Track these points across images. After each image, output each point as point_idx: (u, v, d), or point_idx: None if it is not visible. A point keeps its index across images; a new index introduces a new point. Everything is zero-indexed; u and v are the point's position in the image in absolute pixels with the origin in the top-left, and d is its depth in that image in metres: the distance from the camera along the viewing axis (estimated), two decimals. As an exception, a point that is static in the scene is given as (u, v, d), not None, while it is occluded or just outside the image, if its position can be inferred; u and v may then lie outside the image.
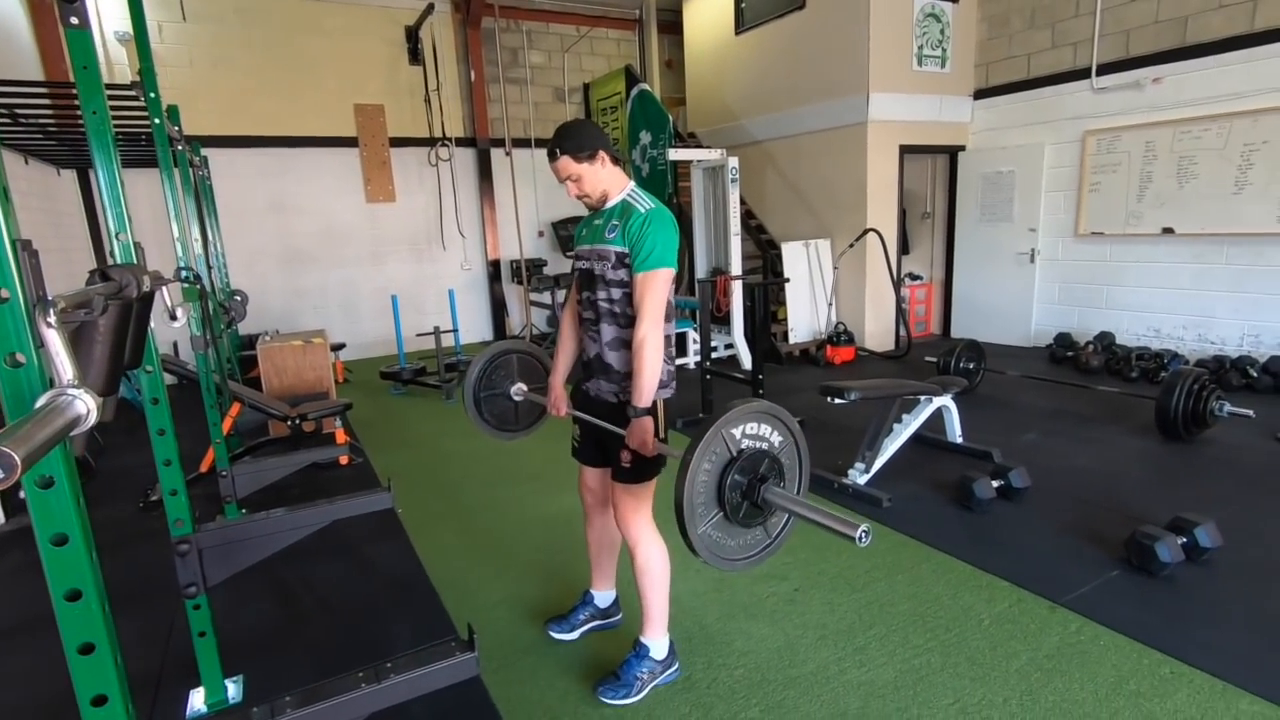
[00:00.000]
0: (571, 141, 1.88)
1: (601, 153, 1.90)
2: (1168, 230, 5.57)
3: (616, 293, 1.92)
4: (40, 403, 0.76)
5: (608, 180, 1.94)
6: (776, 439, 1.54)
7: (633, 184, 1.98)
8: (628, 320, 1.92)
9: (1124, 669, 2.09)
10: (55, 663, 1.04)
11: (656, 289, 1.83)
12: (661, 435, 1.93)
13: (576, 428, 2.17)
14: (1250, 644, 2.17)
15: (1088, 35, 5.85)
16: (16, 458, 0.61)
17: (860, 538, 1.32)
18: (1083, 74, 5.93)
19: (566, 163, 1.89)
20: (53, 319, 0.81)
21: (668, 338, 1.95)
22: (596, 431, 2.03)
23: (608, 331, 1.96)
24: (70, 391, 0.77)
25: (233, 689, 2.13)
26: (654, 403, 1.89)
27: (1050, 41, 6.16)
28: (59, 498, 0.87)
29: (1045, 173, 6.32)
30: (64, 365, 0.80)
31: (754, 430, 1.51)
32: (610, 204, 1.95)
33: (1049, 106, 6.24)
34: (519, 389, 2.44)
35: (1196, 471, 3.61)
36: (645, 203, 1.90)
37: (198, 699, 2.10)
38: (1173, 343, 5.72)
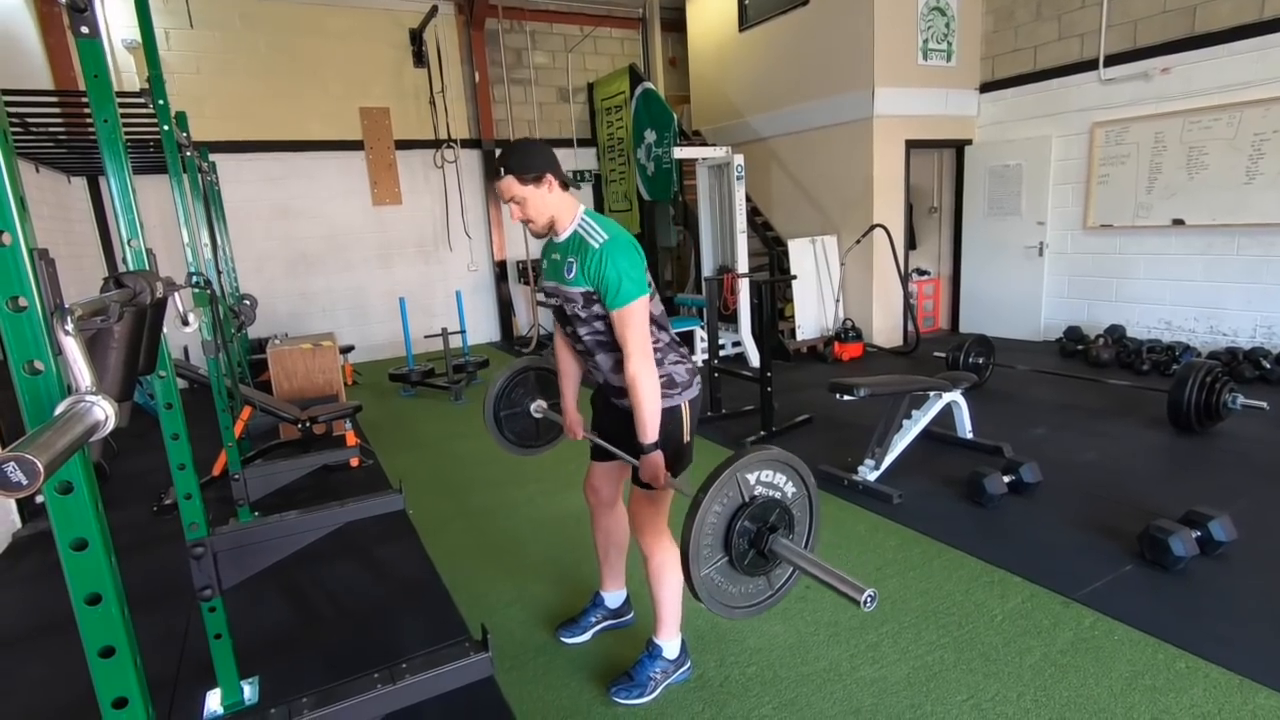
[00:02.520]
0: (517, 160, 1.76)
1: (549, 177, 1.78)
2: (1178, 222, 5.52)
3: (599, 324, 1.87)
4: (59, 410, 0.77)
5: (555, 207, 1.82)
6: (790, 489, 1.53)
7: (583, 211, 1.87)
8: (619, 345, 1.87)
9: (1139, 664, 2.08)
10: (75, 666, 1.05)
11: (634, 323, 1.76)
12: (687, 437, 1.95)
13: (593, 431, 2.18)
14: (1266, 638, 2.15)
15: (1095, 26, 5.81)
16: (40, 464, 0.62)
17: (866, 602, 1.29)
18: (1090, 65, 5.88)
19: (510, 183, 1.76)
20: (70, 327, 0.82)
21: (674, 341, 1.95)
22: (619, 430, 2.01)
23: (605, 361, 1.94)
24: (88, 398, 0.78)
25: (248, 690, 2.15)
26: (678, 407, 1.91)
27: (1057, 33, 6.12)
28: (78, 503, 0.88)
29: (1053, 165, 6.28)
30: (82, 372, 0.81)
31: (768, 478, 1.49)
32: (563, 236, 1.86)
33: (1056, 99, 6.19)
34: (538, 406, 2.42)
35: (1210, 464, 3.58)
36: (598, 234, 1.79)
37: (214, 700, 2.12)
38: (1184, 335, 5.67)
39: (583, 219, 1.85)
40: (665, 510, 2.01)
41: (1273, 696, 1.90)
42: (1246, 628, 2.21)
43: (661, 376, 1.87)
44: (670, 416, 1.90)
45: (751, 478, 1.46)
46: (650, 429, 1.79)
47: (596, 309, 1.83)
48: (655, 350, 1.87)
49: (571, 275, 1.82)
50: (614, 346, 1.89)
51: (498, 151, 1.79)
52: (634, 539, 2.08)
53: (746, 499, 1.45)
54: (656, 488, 1.86)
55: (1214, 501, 2.82)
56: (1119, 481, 3.38)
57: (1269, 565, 2.56)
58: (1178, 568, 2.52)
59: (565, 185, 1.83)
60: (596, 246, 1.77)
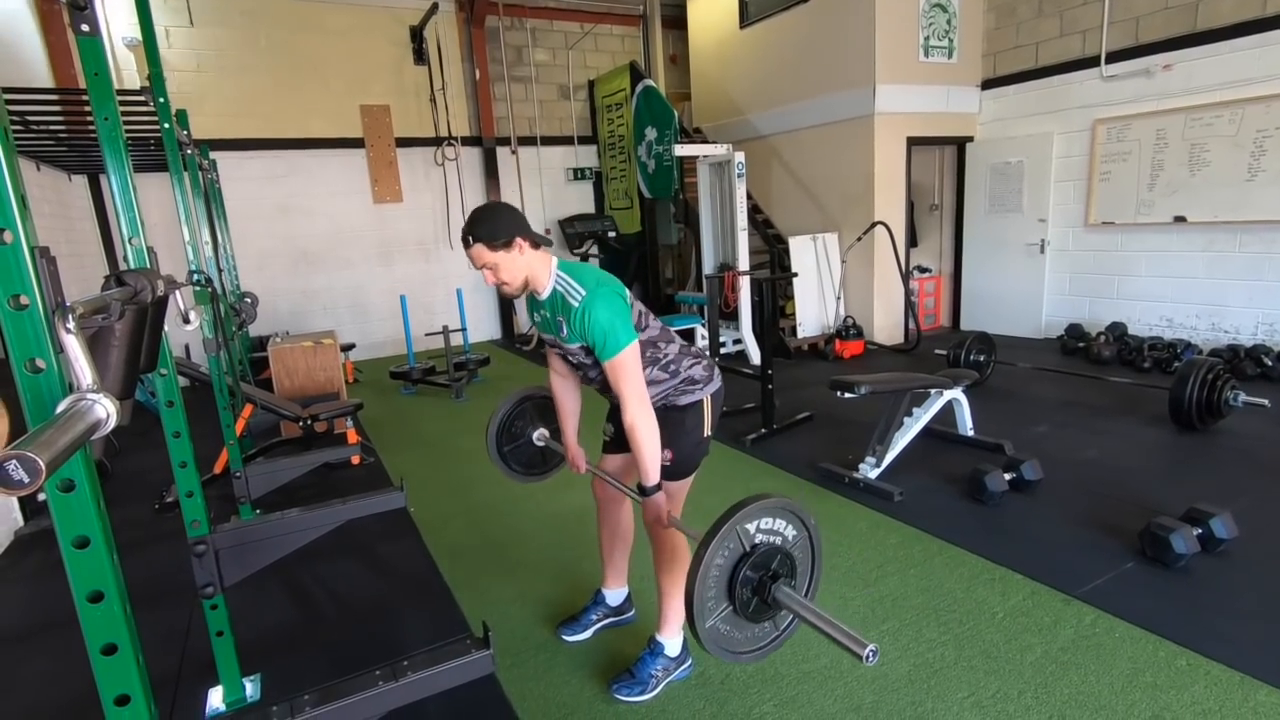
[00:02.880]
0: (484, 228, 1.74)
1: (518, 240, 1.76)
2: (1180, 219, 5.51)
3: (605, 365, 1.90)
4: (61, 408, 0.77)
5: (529, 267, 1.81)
6: (790, 533, 1.54)
7: (556, 266, 1.85)
8: None
9: (1140, 661, 2.08)
10: (78, 663, 1.05)
11: (626, 372, 1.76)
12: (708, 431, 2.00)
13: (610, 425, 2.19)
14: (1267, 635, 2.15)
15: (1097, 23, 5.79)
16: (41, 463, 0.62)
17: (868, 657, 1.30)
18: (1092, 62, 5.87)
19: (480, 251, 1.75)
20: (71, 325, 0.82)
21: (684, 348, 1.98)
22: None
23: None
24: (90, 396, 0.78)
25: (250, 687, 2.16)
26: (700, 401, 1.96)
27: (1058, 30, 6.10)
28: (80, 501, 0.88)
29: (1054, 162, 6.27)
30: (83, 370, 0.81)
31: (768, 525, 1.50)
32: (544, 294, 1.86)
33: (1058, 95, 6.18)
34: (540, 434, 2.43)
35: (1211, 462, 3.58)
36: (576, 291, 1.79)
37: (216, 697, 2.12)
38: (1186, 332, 5.67)
39: (558, 275, 1.84)
40: (679, 502, 2.04)
41: (1273, 694, 1.90)
42: (1247, 625, 2.21)
43: (682, 379, 1.94)
44: (694, 411, 1.97)
45: (751, 527, 1.48)
46: (652, 472, 1.81)
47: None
48: (669, 361, 1.93)
49: (565, 334, 1.85)
50: None
51: (470, 219, 1.75)
52: (646, 534, 2.08)
53: (748, 548, 1.47)
54: (660, 528, 1.90)
55: (1215, 499, 2.82)
56: (1120, 479, 3.38)
57: (1270, 563, 2.56)
58: (1179, 565, 2.52)
59: (536, 244, 1.82)
60: (577, 305, 1.78)
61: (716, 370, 2.06)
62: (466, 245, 1.78)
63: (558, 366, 2.11)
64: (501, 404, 2.39)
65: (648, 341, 1.89)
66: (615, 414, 2.13)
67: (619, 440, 2.14)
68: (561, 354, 1.98)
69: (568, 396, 2.16)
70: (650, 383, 1.89)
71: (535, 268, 1.83)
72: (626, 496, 2.14)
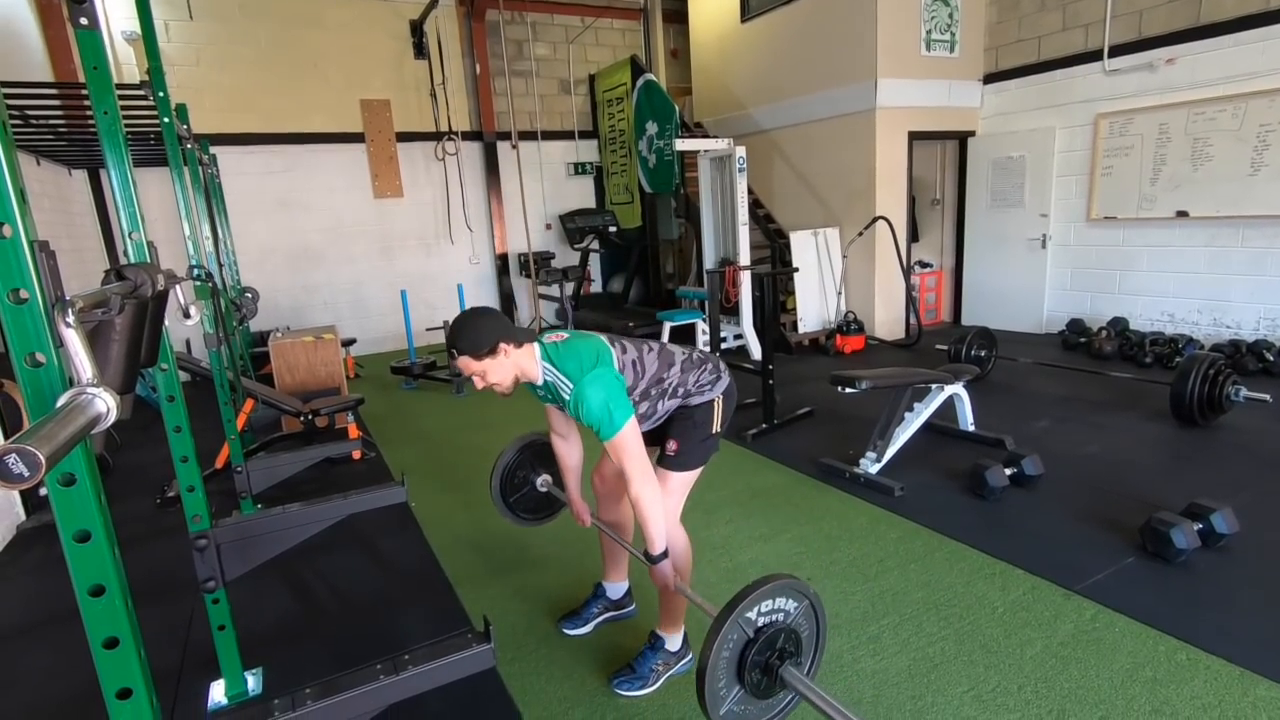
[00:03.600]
0: (467, 340, 1.77)
1: (501, 345, 1.78)
2: (1182, 213, 5.50)
3: None
4: (61, 402, 0.77)
5: (517, 366, 1.84)
6: (791, 606, 1.57)
7: (540, 356, 1.86)
8: (640, 414, 1.92)
9: (1140, 656, 2.08)
10: (80, 657, 1.06)
11: (627, 450, 1.78)
12: (717, 428, 2.03)
13: None
14: (1267, 630, 2.16)
15: (1099, 17, 5.77)
16: (41, 456, 0.62)
17: None
18: (1094, 56, 5.84)
19: (467, 362, 1.79)
20: (71, 319, 0.82)
21: (686, 365, 2.00)
22: (658, 430, 2.06)
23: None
24: (90, 390, 0.78)
25: (252, 681, 2.16)
26: (711, 401, 2.02)
27: (1061, 23, 6.08)
28: (81, 495, 0.88)
29: (1056, 157, 6.25)
30: (83, 364, 0.80)
31: (769, 606, 1.53)
32: (536, 385, 1.90)
33: (1060, 90, 6.16)
34: (544, 480, 2.46)
35: (1212, 457, 3.58)
36: (564, 381, 1.82)
37: (218, 691, 2.13)
38: (1187, 327, 5.66)
39: (545, 367, 1.86)
40: (683, 495, 2.05)
41: (1273, 688, 1.91)
42: (1247, 620, 2.21)
43: (691, 391, 2.00)
44: (704, 409, 2.03)
45: (752, 614, 1.50)
46: (658, 541, 1.82)
47: None
48: (674, 385, 1.97)
49: (569, 412, 1.88)
50: (640, 418, 1.94)
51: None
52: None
53: (752, 634, 1.50)
54: (668, 593, 1.95)
55: (1216, 494, 2.82)
56: (1121, 474, 3.38)
57: (1271, 558, 2.56)
58: (1179, 560, 2.52)
59: (520, 343, 1.84)
60: (568, 393, 1.82)
61: (725, 369, 2.09)
62: (451, 357, 1.82)
63: (558, 426, 2.15)
64: (503, 454, 2.41)
65: (652, 380, 1.93)
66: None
67: None
68: (565, 415, 2.02)
69: (569, 454, 2.21)
70: (663, 414, 2.00)
71: (523, 365, 1.85)
72: (628, 549, 2.21)
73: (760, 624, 1.51)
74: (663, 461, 2.00)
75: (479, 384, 1.84)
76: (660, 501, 1.84)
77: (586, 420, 1.80)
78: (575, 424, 2.06)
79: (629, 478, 1.80)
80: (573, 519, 2.29)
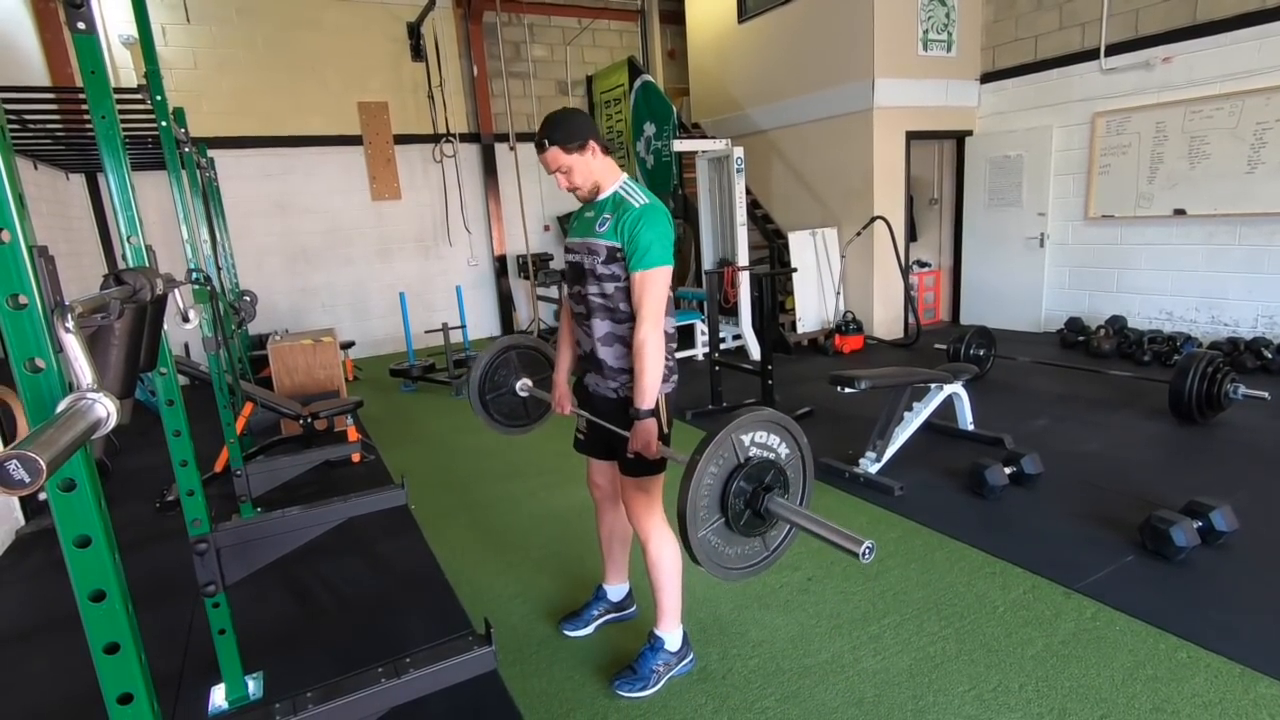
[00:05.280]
0: (560, 131, 1.81)
1: (592, 143, 1.83)
2: (1179, 212, 5.51)
3: (609, 286, 1.87)
4: (61, 407, 0.77)
5: (599, 171, 1.88)
6: (784, 450, 1.53)
7: (625, 176, 1.92)
8: (621, 315, 1.89)
9: (1140, 654, 2.08)
10: (80, 662, 1.05)
11: (656, 288, 1.79)
12: (665, 430, 1.92)
13: (581, 420, 2.16)
14: (1267, 627, 2.16)
15: (1096, 15, 5.78)
16: (42, 462, 0.62)
17: (864, 553, 1.31)
18: (1091, 55, 5.85)
19: (556, 154, 1.82)
20: (70, 324, 0.82)
21: (667, 334, 1.93)
22: (601, 426, 2.02)
23: (600, 326, 1.93)
24: (90, 395, 0.78)
25: (253, 685, 2.16)
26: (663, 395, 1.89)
27: (1058, 22, 6.09)
28: (81, 500, 0.88)
29: (1054, 156, 6.26)
30: (83, 369, 0.80)
31: (763, 439, 1.49)
32: (602, 196, 1.90)
33: (1057, 88, 6.17)
34: (524, 384, 2.43)
35: (1211, 455, 3.58)
36: (640, 197, 1.85)
37: (219, 695, 2.13)
38: (1185, 325, 5.67)
39: (626, 182, 1.90)
40: (659, 496, 2.02)
41: (1274, 686, 1.91)
42: (1248, 618, 2.21)
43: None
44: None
45: (746, 439, 1.47)
46: (649, 395, 1.80)
47: (615, 269, 1.85)
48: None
49: (604, 229, 1.85)
50: (616, 315, 1.90)
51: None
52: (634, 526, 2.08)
53: (741, 460, 1.46)
54: (649, 457, 1.85)
55: (1215, 492, 2.82)
56: (1120, 472, 3.38)
57: (1270, 555, 2.57)
58: (1179, 558, 2.52)
59: (607, 150, 1.89)
60: (637, 207, 1.82)
61: (676, 375, 1.99)
62: (541, 149, 1.83)
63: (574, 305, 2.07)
64: (485, 352, 2.41)
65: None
66: (585, 362, 2.05)
67: (593, 440, 2.13)
68: (579, 260, 1.92)
69: (576, 328, 2.10)
70: (619, 342, 1.91)
71: (604, 172, 1.89)
72: (615, 462, 2.09)
73: (751, 453, 1.47)
74: (627, 469, 1.95)
75: (561, 183, 1.88)
76: (661, 355, 1.81)
77: (636, 239, 1.78)
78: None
79: (642, 317, 1.79)
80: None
